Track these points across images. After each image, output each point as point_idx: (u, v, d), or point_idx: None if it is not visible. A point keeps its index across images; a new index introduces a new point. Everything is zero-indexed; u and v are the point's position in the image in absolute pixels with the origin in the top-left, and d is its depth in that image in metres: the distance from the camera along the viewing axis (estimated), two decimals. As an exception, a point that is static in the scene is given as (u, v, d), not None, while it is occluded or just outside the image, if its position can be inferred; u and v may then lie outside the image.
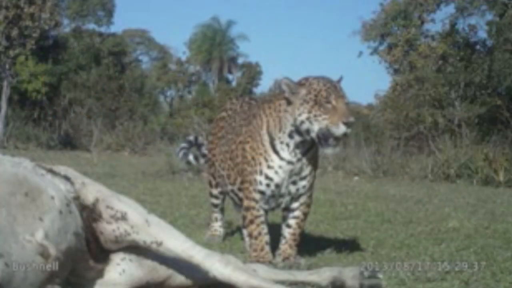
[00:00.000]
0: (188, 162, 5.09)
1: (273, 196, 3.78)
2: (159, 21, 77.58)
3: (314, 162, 3.82)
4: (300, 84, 3.67)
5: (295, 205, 3.84)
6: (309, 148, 3.72)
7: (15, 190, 2.51)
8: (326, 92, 3.60)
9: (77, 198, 2.79)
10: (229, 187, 4.13)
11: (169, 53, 45.73)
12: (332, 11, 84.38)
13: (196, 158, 5.00)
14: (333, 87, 3.64)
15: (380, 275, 3.23)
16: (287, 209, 3.87)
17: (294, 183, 3.77)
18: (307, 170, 3.78)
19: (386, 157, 14.38)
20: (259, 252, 3.77)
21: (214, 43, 42.10)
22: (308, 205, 3.90)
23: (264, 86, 76.84)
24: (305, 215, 3.89)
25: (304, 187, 3.80)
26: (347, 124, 3.56)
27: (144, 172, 10.68)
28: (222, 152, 4.20)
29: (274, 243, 3.91)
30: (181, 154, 5.10)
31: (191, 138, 5.21)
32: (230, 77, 43.71)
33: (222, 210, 4.64)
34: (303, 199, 3.84)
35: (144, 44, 45.81)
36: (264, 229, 3.81)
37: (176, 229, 2.93)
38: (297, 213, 3.84)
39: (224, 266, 2.81)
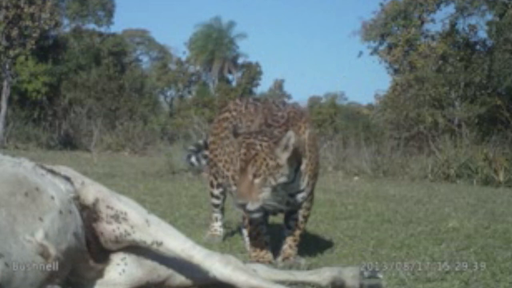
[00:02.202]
0: (191, 164, 5.08)
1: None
2: (159, 21, 77.80)
3: (310, 173, 3.77)
4: (237, 139, 3.64)
5: (295, 209, 3.85)
6: (298, 165, 3.66)
7: (15, 190, 2.51)
8: (241, 157, 3.51)
9: (77, 198, 2.79)
10: (234, 188, 4.13)
11: (169, 53, 45.80)
12: (332, 11, 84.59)
13: (198, 159, 4.99)
14: (251, 153, 3.47)
15: (380, 275, 3.24)
16: (288, 212, 3.88)
17: (291, 195, 3.75)
18: (303, 184, 3.75)
19: (386, 157, 14.38)
20: (258, 252, 3.77)
21: (216, 43, 42.15)
22: (308, 208, 3.89)
23: (264, 86, 77.11)
24: (305, 217, 3.88)
25: (303, 197, 3.79)
26: (237, 205, 3.54)
27: (144, 172, 10.67)
28: (227, 153, 4.19)
29: (275, 244, 3.91)
30: (185, 156, 5.09)
31: (201, 142, 5.18)
32: (230, 77, 43.76)
33: (222, 210, 4.64)
34: (302, 205, 3.84)
35: (144, 44, 45.86)
36: (263, 229, 3.80)
37: (176, 229, 2.93)
38: (296, 215, 3.85)
39: (224, 266, 2.81)
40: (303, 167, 3.69)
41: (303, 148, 3.69)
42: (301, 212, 3.85)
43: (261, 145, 3.49)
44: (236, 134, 3.66)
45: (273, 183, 3.49)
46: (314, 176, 3.82)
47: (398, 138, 18.83)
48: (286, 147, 3.50)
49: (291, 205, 3.81)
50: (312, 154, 3.77)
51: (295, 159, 3.61)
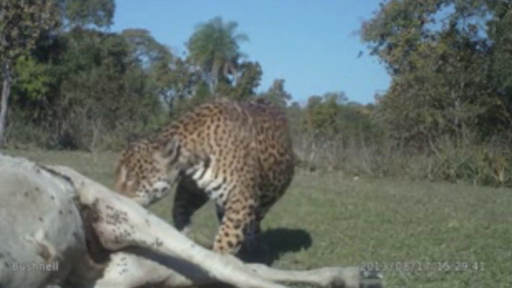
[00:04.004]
0: None
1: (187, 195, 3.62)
2: (159, 21, 77.89)
3: (226, 168, 3.46)
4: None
5: (224, 211, 3.55)
6: (206, 161, 3.45)
7: (15, 190, 2.51)
8: (118, 158, 3.41)
9: (77, 198, 2.79)
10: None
11: (169, 53, 45.80)
12: (332, 11, 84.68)
13: None
14: (127, 154, 3.36)
15: (380, 275, 3.24)
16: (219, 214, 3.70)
17: (209, 193, 3.51)
18: (219, 180, 3.45)
19: (386, 157, 14.40)
20: None
21: (217, 44, 42.14)
22: (236, 212, 3.46)
23: (264, 86, 77.14)
24: (232, 221, 3.46)
25: (221, 194, 3.47)
26: None
27: (144, 172, 10.64)
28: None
29: (276, 247, 3.90)
30: None
31: None
32: (230, 77, 43.76)
33: None
34: (228, 205, 3.48)
35: (144, 44, 45.88)
36: (181, 221, 3.64)
37: (176, 229, 2.93)
38: (223, 219, 3.53)
39: (224, 266, 2.81)
40: (212, 163, 3.44)
41: (208, 144, 3.44)
42: (227, 214, 3.48)
43: (138, 147, 3.35)
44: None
45: (148, 187, 3.30)
46: (234, 171, 3.45)
47: (398, 138, 18.84)
48: (169, 152, 3.33)
49: (216, 203, 3.56)
50: (224, 148, 3.45)
51: (197, 158, 3.42)
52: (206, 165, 3.44)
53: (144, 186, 3.29)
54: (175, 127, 3.47)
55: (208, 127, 3.46)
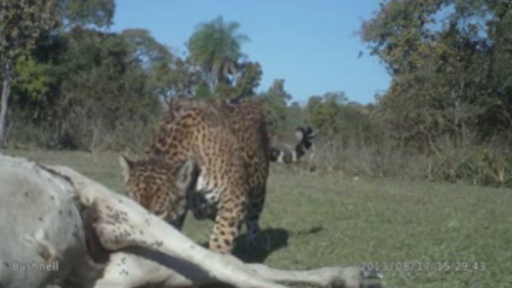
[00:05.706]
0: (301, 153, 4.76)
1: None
2: (159, 21, 77.85)
3: (216, 174, 3.48)
4: (131, 171, 3.33)
5: (217, 212, 3.59)
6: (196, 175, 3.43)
7: (15, 190, 2.51)
8: (141, 193, 3.25)
9: (77, 198, 2.79)
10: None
11: (169, 53, 45.80)
12: (332, 11, 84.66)
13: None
14: (152, 188, 3.24)
15: (380, 275, 3.24)
16: (212, 216, 3.66)
17: (200, 195, 3.52)
18: (210, 185, 3.48)
19: (386, 157, 14.41)
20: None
21: (217, 44, 42.14)
22: (229, 210, 3.52)
23: (264, 86, 77.08)
24: (226, 219, 3.52)
25: (212, 197, 3.51)
26: None
27: (144, 172, 10.63)
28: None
29: (276, 247, 3.90)
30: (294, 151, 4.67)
31: (305, 127, 4.78)
32: (230, 77, 43.76)
33: None
34: (220, 205, 3.53)
35: (144, 44, 45.86)
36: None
37: (176, 229, 2.93)
38: (217, 218, 3.56)
39: (224, 266, 2.81)
40: (203, 172, 3.46)
41: (199, 156, 3.44)
42: (220, 213, 3.54)
43: (160, 178, 3.27)
44: (130, 165, 3.35)
45: (175, 217, 3.28)
46: (224, 174, 3.50)
47: (398, 138, 18.85)
48: (184, 177, 3.31)
49: (208, 205, 3.56)
50: (212, 156, 3.48)
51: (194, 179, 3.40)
52: (196, 174, 3.43)
53: (172, 217, 3.26)
54: (173, 146, 3.41)
55: (196, 138, 3.46)
